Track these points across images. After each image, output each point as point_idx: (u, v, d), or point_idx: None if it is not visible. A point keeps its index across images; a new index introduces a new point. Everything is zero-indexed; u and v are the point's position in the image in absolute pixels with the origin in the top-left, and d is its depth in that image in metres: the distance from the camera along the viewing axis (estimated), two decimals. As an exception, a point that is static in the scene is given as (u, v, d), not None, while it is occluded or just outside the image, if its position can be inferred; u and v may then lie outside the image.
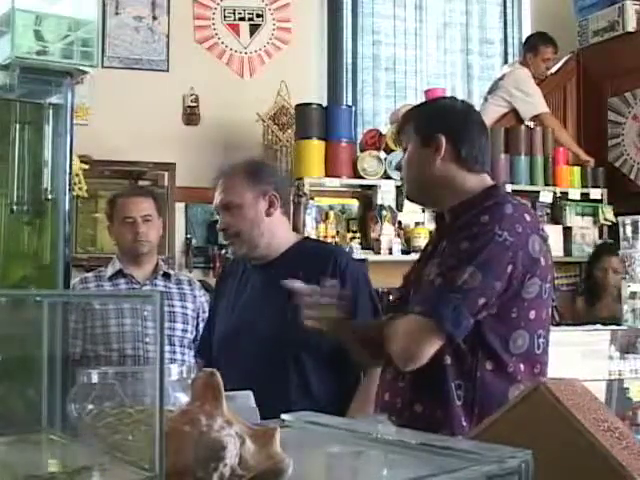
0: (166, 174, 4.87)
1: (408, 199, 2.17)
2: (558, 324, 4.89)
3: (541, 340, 1.92)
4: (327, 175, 4.77)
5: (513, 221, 1.86)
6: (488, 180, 2.04)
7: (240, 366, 2.37)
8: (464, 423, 1.84)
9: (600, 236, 5.39)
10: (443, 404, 1.87)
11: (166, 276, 3.16)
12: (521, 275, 1.84)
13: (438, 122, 2.01)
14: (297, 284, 2.01)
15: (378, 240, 4.79)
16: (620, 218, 5.24)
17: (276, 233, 2.47)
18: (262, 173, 2.50)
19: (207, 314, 3.14)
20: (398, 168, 2.32)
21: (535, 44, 5.53)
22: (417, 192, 2.08)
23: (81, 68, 1.52)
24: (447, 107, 2.09)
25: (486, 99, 5.60)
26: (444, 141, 1.97)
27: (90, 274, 3.19)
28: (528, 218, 1.92)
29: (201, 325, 3.13)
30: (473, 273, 1.79)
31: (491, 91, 5.56)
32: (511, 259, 1.82)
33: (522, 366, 1.89)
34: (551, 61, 5.59)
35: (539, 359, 1.93)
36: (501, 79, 5.53)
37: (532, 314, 1.88)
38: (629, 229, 5.18)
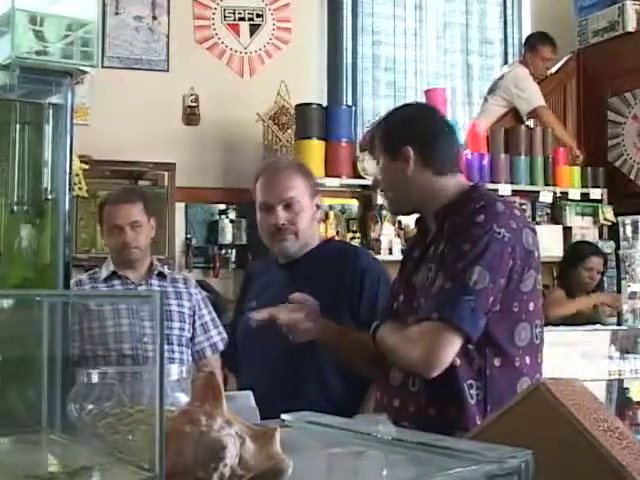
0: (166, 174, 4.86)
1: (393, 213, 2.20)
2: (558, 324, 4.89)
3: (538, 330, 1.97)
4: (327, 175, 4.77)
5: (507, 218, 1.91)
6: (464, 180, 2.08)
7: (262, 365, 2.40)
8: (478, 422, 1.87)
9: (600, 236, 5.39)
10: (457, 405, 1.89)
11: (161, 275, 3.15)
12: (520, 269, 1.89)
13: (401, 134, 2.03)
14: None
15: (378, 240, 4.79)
16: (620, 218, 5.27)
17: (314, 236, 2.53)
18: (313, 178, 2.55)
19: (203, 311, 3.15)
20: (375, 186, 2.34)
21: (534, 43, 5.54)
22: (399, 205, 2.13)
23: (81, 68, 1.52)
24: (408, 116, 2.11)
25: (486, 99, 5.61)
26: (411, 151, 2.00)
27: (84, 276, 3.17)
28: (517, 213, 1.98)
29: (197, 323, 3.13)
30: (481, 273, 1.83)
31: (491, 91, 5.57)
32: (510, 254, 1.87)
33: (527, 359, 1.93)
34: (550, 60, 5.59)
35: (539, 348, 1.99)
36: (501, 79, 5.54)
37: (531, 306, 1.93)
38: (629, 229, 5.20)
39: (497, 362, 1.90)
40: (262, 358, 2.41)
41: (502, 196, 4.90)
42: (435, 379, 1.86)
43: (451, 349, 1.84)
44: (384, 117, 2.17)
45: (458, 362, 1.88)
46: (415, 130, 2.05)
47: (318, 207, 2.52)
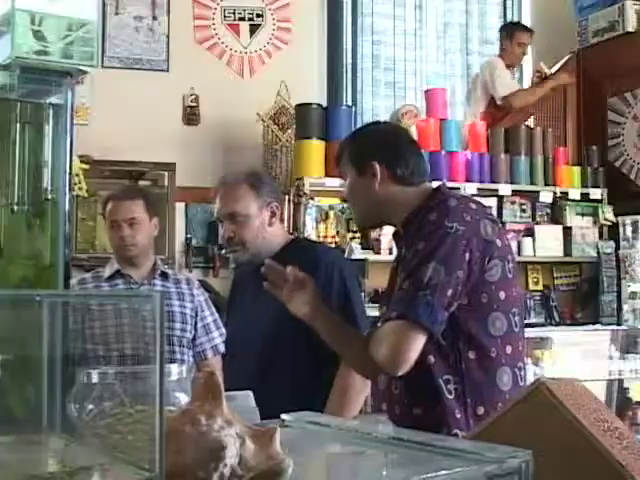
0: (166, 174, 4.87)
1: (359, 226, 2.33)
2: (558, 324, 4.90)
3: (517, 318, 1.99)
4: (327, 175, 4.76)
5: (460, 211, 1.95)
6: (430, 187, 2.13)
7: (240, 367, 2.53)
8: (458, 415, 1.91)
9: (600, 236, 5.39)
10: (436, 402, 1.93)
11: (164, 276, 3.15)
12: (479, 260, 1.92)
13: (370, 150, 2.10)
14: (271, 262, 2.12)
15: (378, 240, 4.79)
16: (620, 218, 5.28)
17: (273, 240, 2.60)
18: (265, 185, 2.63)
19: (205, 312, 3.17)
20: (345, 199, 2.41)
21: (511, 30, 5.64)
22: (367, 219, 2.21)
23: (81, 68, 1.52)
24: (375, 134, 2.20)
25: (469, 91, 5.69)
26: (378, 167, 2.06)
27: (88, 275, 3.18)
28: (474, 206, 2.01)
29: (200, 324, 3.14)
30: (435, 268, 1.87)
31: (473, 83, 5.66)
32: (466, 247, 1.90)
33: (508, 348, 1.96)
34: (526, 46, 5.61)
35: (520, 336, 2.01)
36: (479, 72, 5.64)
37: (502, 295, 1.95)
38: (629, 229, 5.20)
39: (472, 355, 1.92)
40: (242, 362, 2.55)
41: (500, 194, 4.91)
42: (412, 379, 1.90)
43: (413, 345, 1.86)
44: (351, 135, 2.26)
45: (432, 359, 1.91)
46: (381, 146, 2.11)
47: (274, 213, 2.59)
